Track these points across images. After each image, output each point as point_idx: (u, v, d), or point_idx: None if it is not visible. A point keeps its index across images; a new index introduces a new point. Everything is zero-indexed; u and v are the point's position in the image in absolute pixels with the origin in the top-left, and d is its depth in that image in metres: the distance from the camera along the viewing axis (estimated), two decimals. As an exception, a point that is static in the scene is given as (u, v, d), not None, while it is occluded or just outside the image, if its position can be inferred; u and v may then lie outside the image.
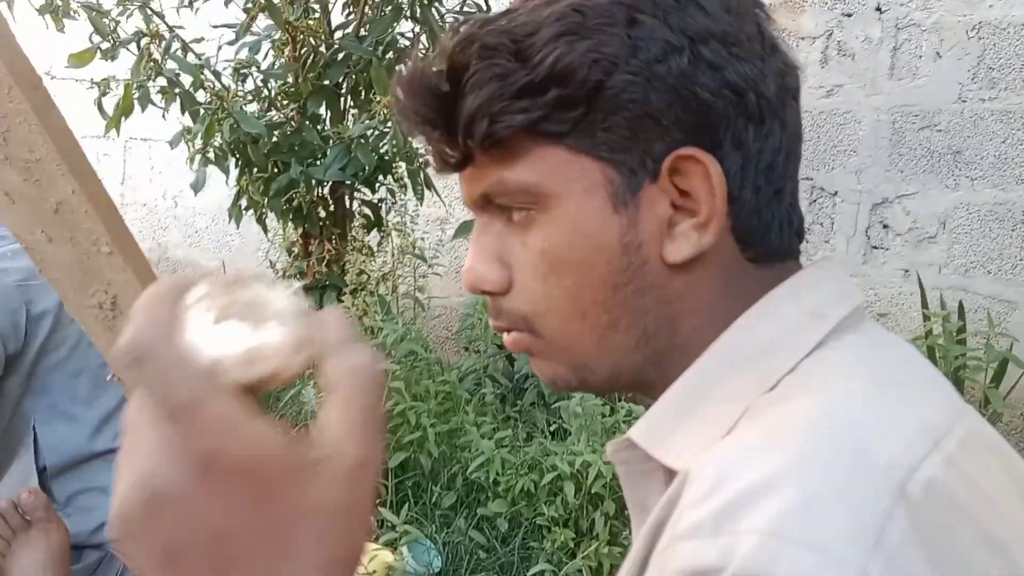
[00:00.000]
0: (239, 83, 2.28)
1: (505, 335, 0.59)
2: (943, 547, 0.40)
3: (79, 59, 2.17)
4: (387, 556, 1.77)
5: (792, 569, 0.38)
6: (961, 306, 2.35)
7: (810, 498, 0.40)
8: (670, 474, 0.53)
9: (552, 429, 2.16)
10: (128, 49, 2.20)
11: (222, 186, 2.84)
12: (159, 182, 3.91)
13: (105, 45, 2.18)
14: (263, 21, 2.30)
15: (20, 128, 1.02)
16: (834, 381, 0.49)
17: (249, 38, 2.27)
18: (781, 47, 0.55)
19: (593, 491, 1.85)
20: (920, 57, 2.52)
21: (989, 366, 2.18)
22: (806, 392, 0.49)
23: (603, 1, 0.51)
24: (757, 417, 0.49)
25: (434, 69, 0.54)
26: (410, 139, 2.25)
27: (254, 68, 2.25)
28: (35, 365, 1.58)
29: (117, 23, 2.19)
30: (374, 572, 1.71)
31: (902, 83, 2.54)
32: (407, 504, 1.94)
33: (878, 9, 2.53)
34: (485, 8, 2.33)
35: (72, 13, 2.11)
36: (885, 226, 2.60)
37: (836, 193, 2.65)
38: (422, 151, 2.35)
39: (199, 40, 2.36)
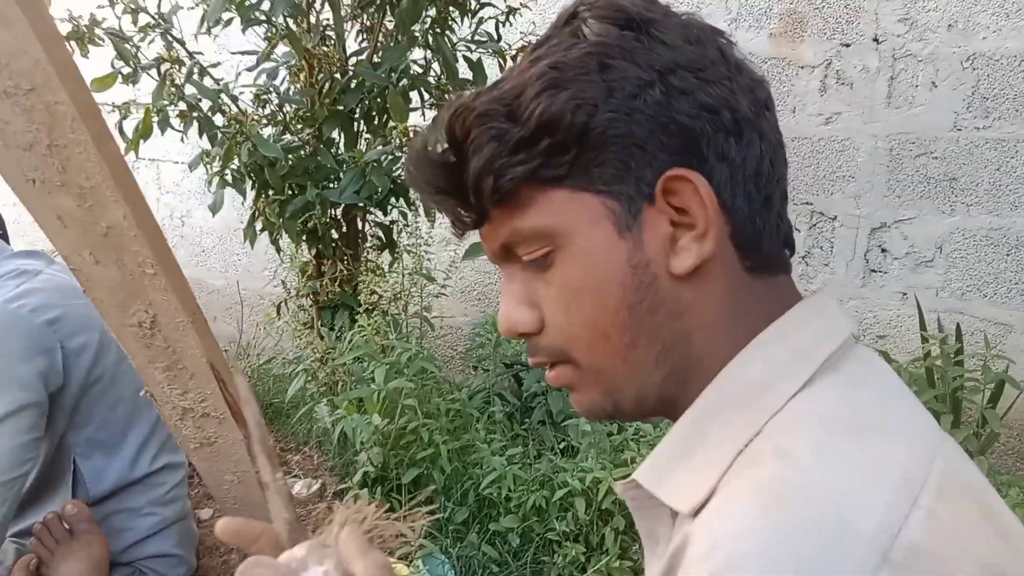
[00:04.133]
0: (259, 108, 2.34)
1: (548, 371, 0.64)
2: None
3: (101, 83, 2.23)
4: (403, 570, 1.81)
5: None
6: (959, 328, 2.41)
7: (802, 566, 0.44)
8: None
9: (561, 447, 2.21)
10: (149, 74, 2.26)
11: (229, 207, 2.88)
12: (167, 202, 3.96)
13: (127, 70, 2.23)
14: (280, 47, 2.36)
15: (79, 157, 1.07)
16: (817, 438, 0.52)
17: (267, 64, 2.34)
18: (745, 66, 0.60)
19: (603, 507, 1.90)
20: (916, 87, 2.59)
21: (986, 387, 2.24)
22: (791, 451, 0.52)
23: (576, 55, 0.57)
24: (748, 470, 0.53)
25: (437, 144, 0.60)
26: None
27: (273, 93, 2.31)
28: (79, 400, 1.61)
29: (138, 48, 2.25)
30: (393, 585, 1.75)
31: (899, 111, 2.62)
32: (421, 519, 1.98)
33: (875, 40, 2.61)
34: (496, 38, 2.40)
35: (97, 39, 2.17)
36: (883, 250, 2.67)
37: (835, 218, 2.71)
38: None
39: (215, 65, 2.42)
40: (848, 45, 2.65)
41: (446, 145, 0.60)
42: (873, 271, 2.70)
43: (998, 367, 2.28)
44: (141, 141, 2.30)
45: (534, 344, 0.64)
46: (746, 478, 0.52)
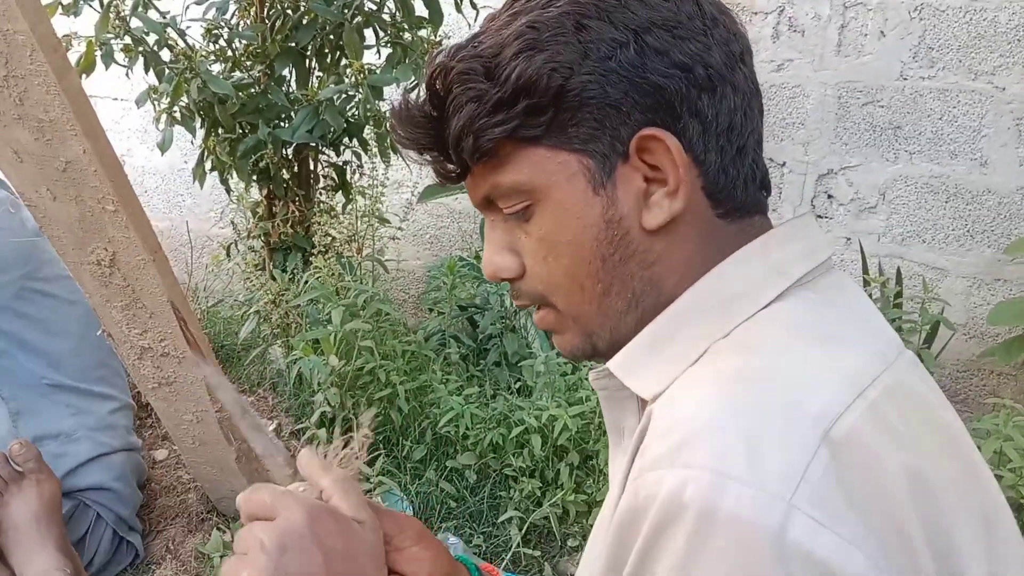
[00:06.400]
0: (210, 43, 2.27)
1: (535, 313, 0.69)
2: (859, 480, 0.48)
3: (40, 14, 2.13)
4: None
5: (735, 501, 0.46)
6: (899, 272, 2.50)
7: (750, 441, 0.48)
8: (643, 401, 0.64)
9: (517, 387, 2.25)
10: (91, 5, 2.17)
11: (173, 146, 2.82)
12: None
13: (67, 0, 2.14)
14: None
15: (37, 89, 1.04)
16: (780, 337, 0.57)
17: (216, -2, 2.26)
18: (723, 18, 0.62)
19: (558, 443, 1.95)
20: (865, 35, 2.64)
21: (923, 328, 2.34)
22: (754, 346, 0.57)
23: (553, 14, 0.59)
24: (712, 361, 0.57)
25: (420, 100, 0.63)
26: (378, 103, 2.29)
27: (224, 28, 2.24)
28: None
29: (80, -22, 2.16)
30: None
31: (848, 60, 2.66)
32: (379, 457, 2.01)
33: (828, -13, 2.64)
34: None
35: (35, -34, 2.07)
36: (829, 196, 2.74)
37: (784, 164, 2.77)
38: (389, 114, 2.38)
39: (161, -3, 2.34)
40: (801, -9, 2.67)
41: (427, 102, 0.62)
42: (819, 217, 2.77)
43: (934, 310, 2.39)
44: (84, 76, 2.22)
45: (516, 288, 0.68)
46: (707, 367, 0.57)
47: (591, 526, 1.87)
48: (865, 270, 2.52)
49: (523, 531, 1.87)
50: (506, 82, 0.58)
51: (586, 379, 2.10)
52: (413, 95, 0.64)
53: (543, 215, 0.62)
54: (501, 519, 1.89)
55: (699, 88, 0.59)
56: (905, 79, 2.59)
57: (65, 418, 1.73)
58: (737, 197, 0.63)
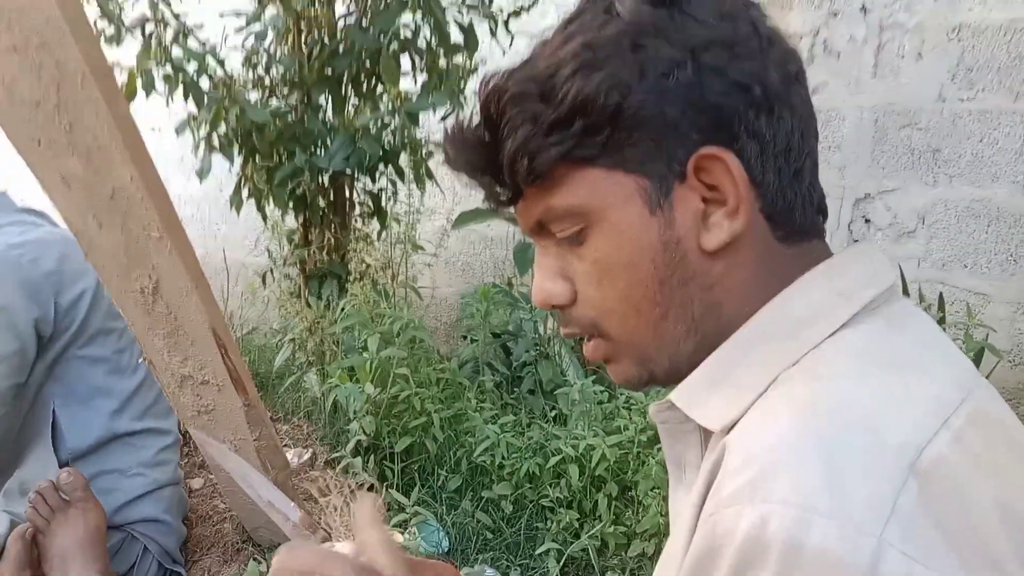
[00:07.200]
0: (249, 71, 2.30)
1: (585, 345, 0.67)
2: (950, 512, 0.46)
3: (83, 45, 2.17)
4: (398, 537, 1.81)
5: (822, 537, 0.44)
6: (941, 298, 2.45)
7: (832, 473, 0.46)
8: (706, 433, 0.63)
9: (552, 415, 2.22)
10: (132, 35, 2.20)
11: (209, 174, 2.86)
12: (142, 168, 3.88)
13: (110, 31, 2.18)
14: (268, 9, 2.31)
15: (88, 117, 1.04)
16: (853, 365, 0.54)
17: (255, 26, 2.29)
18: (777, 39, 0.60)
19: (596, 473, 1.91)
20: (902, 57, 2.61)
21: (967, 356, 2.28)
22: (828, 374, 0.54)
23: (610, 33, 0.57)
24: (784, 391, 0.55)
25: (474, 123, 0.62)
26: (413, 129, 2.29)
27: (264, 56, 2.26)
28: (62, 352, 1.61)
29: (122, 8, 2.20)
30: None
31: (885, 82, 2.63)
32: (415, 487, 1.99)
33: (863, 9, 2.62)
34: (487, 1, 2.37)
35: (78, -1, 2.11)
36: (867, 221, 2.70)
37: (821, 188, 2.74)
38: (425, 141, 2.39)
39: (200, 26, 2.37)
40: (836, 14, 2.65)
41: (481, 125, 0.61)
42: (856, 241, 2.73)
43: (979, 336, 2.33)
44: (123, 105, 2.24)
45: (567, 316, 0.66)
46: (780, 396, 0.55)
47: (631, 558, 1.83)
48: (905, 294, 2.47)
49: (561, 563, 1.84)
50: (562, 101, 0.57)
51: (623, 407, 2.07)
52: (465, 118, 0.63)
53: (598, 238, 0.61)
54: (539, 551, 1.86)
55: (757, 108, 0.58)
56: (943, 101, 2.56)
57: (122, 456, 1.73)
58: (796, 220, 0.61)
